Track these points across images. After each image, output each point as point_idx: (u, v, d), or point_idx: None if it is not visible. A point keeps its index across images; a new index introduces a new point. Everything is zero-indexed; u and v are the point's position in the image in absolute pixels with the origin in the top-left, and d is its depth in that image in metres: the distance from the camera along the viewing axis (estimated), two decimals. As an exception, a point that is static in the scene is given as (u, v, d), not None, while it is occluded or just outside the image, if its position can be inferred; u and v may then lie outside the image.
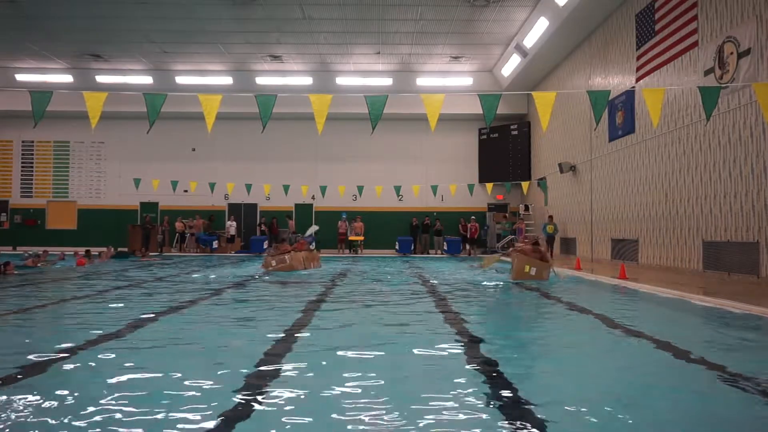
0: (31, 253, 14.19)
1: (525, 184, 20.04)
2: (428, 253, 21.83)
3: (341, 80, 22.42)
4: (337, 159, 23.71)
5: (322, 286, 9.27)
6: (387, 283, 10.05)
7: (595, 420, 2.72)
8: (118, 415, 2.70)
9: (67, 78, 22.23)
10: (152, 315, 6.00)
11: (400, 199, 23.04)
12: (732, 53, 9.74)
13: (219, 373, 3.52)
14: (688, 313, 6.52)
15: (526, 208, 22.08)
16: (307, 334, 5.02)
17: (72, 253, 16.34)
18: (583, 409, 2.83)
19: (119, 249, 18.33)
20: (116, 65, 21.87)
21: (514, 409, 2.86)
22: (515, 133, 22.93)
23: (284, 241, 15.62)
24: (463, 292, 8.58)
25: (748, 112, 9.44)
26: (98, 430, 2.52)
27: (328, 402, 2.95)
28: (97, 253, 15.68)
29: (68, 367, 3.69)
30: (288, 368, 3.67)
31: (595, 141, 15.83)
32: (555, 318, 6.38)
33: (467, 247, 21.75)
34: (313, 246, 21.48)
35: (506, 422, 2.64)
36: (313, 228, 19.67)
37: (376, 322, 5.78)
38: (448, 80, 22.43)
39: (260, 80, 22.38)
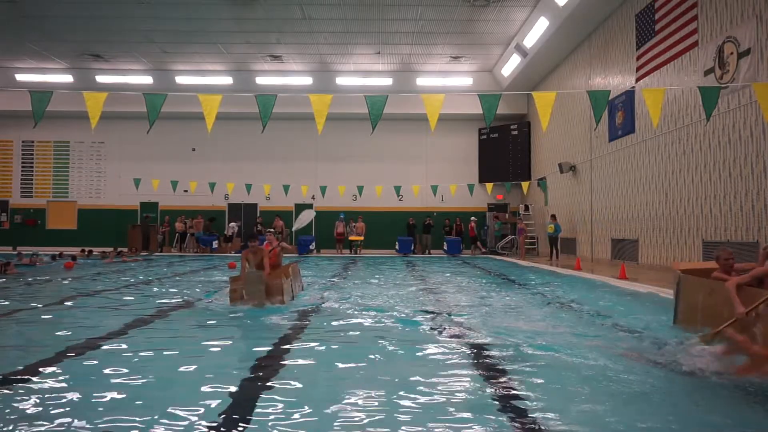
0: (28, 253, 14.20)
1: (525, 184, 20.06)
2: (429, 253, 21.81)
3: (341, 80, 22.41)
4: (337, 159, 23.71)
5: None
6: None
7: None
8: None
9: (67, 78, 22.23)
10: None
11: (400, 199, 23.04)
12: (732, 53, 9.74)
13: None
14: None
15: (526, 208, 22.08)
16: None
17: (74, 253, 16.33)
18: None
19: (120, 249, 18.31)
20: (116, 65, 21.87)
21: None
22: (515, 133, 22.93)
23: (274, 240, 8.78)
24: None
25: (748, 112, 9.44)
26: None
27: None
28: (97, 254, 15.66)
29: None
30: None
31: (595, 141, 15.83)
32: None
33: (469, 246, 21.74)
34: (312, 246, 21.59)
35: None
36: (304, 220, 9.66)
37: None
38: (448, 80, 22.43)
39: (260, 80, 22.38)
